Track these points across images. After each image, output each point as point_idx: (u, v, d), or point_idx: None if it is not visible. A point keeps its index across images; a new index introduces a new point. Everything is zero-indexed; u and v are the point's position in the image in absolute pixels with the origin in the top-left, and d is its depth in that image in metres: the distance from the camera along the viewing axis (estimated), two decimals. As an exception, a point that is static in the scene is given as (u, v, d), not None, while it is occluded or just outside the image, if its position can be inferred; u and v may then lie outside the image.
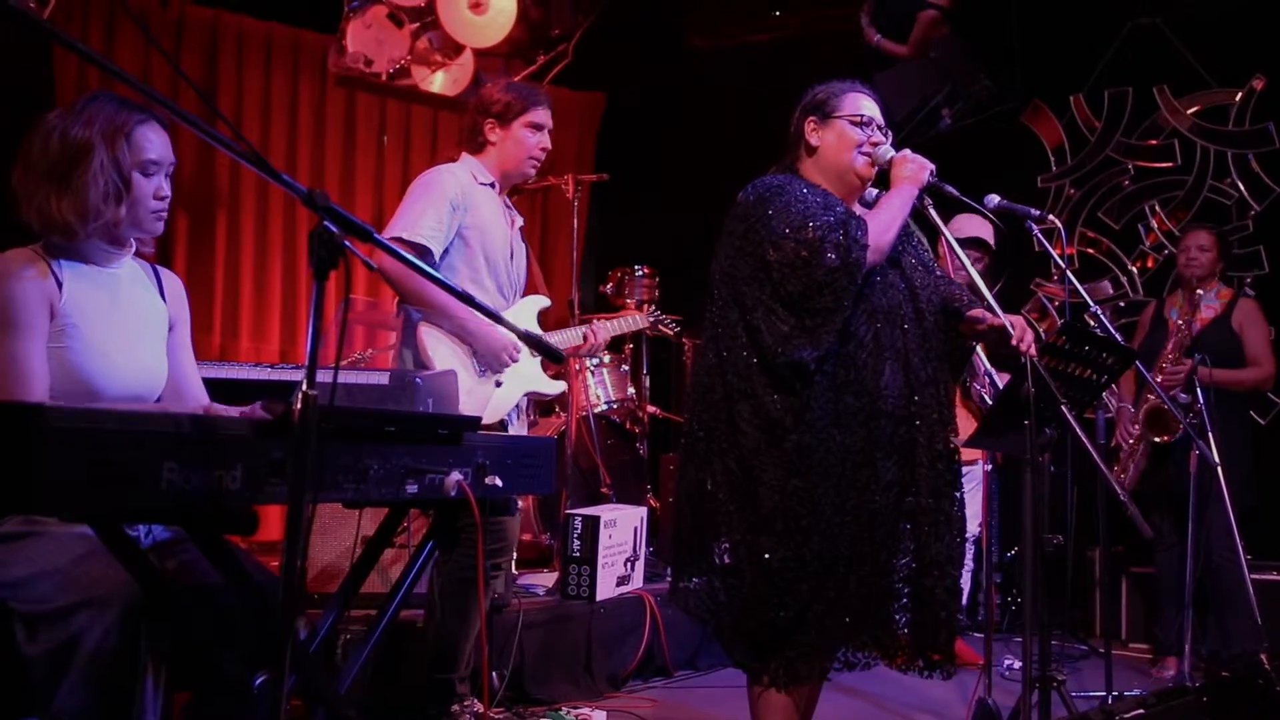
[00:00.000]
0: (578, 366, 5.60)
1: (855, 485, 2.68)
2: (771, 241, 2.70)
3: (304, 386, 1.65)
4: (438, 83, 6.59)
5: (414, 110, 7.10)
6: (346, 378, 2.90)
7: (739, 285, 2.76)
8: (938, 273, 3.01)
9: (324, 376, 1.67)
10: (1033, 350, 2.69)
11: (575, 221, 5.60)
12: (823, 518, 2.65)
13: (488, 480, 2.24)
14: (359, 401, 2.87)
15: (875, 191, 2.98)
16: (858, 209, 2.89)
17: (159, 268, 2.61)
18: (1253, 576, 4.55)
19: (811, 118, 2.93)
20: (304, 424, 1.64)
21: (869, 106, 2.93)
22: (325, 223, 1.69)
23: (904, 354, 2.77)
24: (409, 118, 7.13)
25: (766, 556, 2.65)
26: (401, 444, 2.06)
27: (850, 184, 2.90)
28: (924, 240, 3.10)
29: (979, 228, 5.16)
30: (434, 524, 2.48)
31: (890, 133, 2.97)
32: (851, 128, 2.89)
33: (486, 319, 2.36)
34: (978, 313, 2.90)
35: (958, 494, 2.82)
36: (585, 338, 3.92)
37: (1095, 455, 2.60)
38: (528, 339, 2.28)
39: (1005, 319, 2.75)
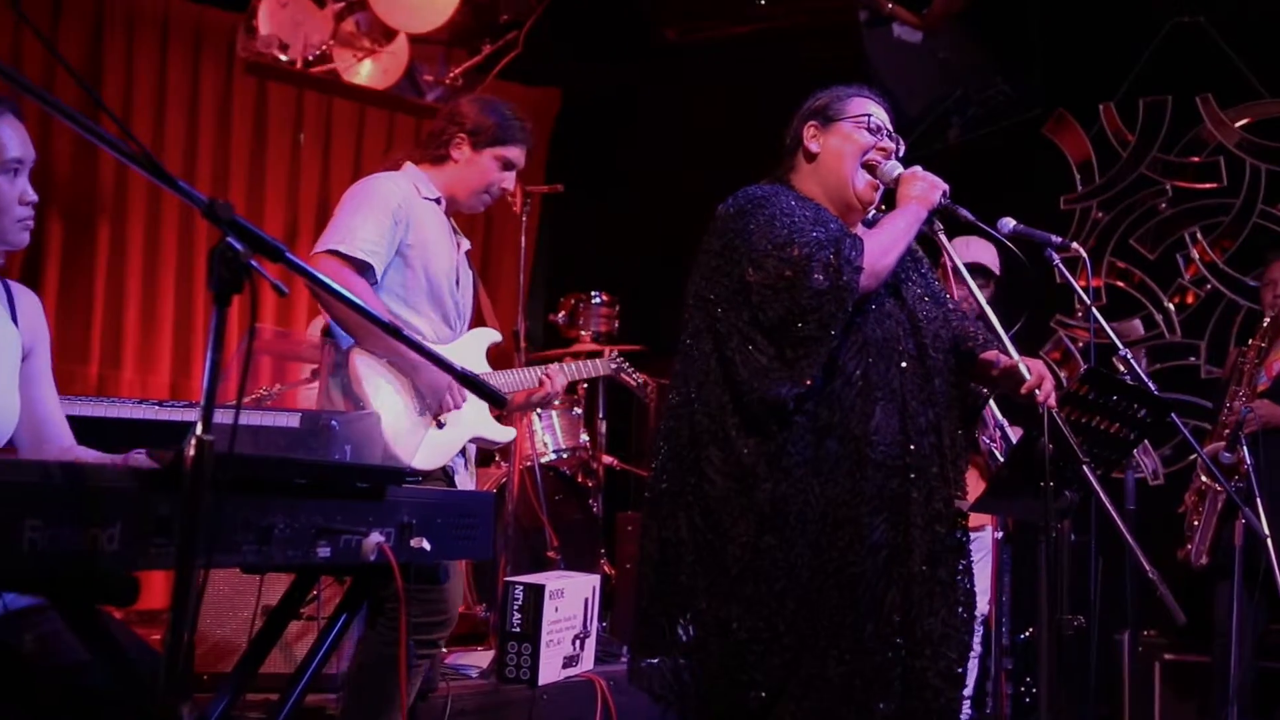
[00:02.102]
0: (523, 408, 5.59)
1: (837, 545, 2.69)
2: (752, 260, 2.73)
3: (198, 429, 1.64)
4: (364, 73, 6.58)
5: (336, 105, 7.12)
6: (250, 419, 2.90)
7: (714, 310, 2.78)
8: (950, 305, 3.03)
9: (223, 417, 1.67)
10: (1052, 400, 2.69)
11: (523, 239, 5.60)
12: (799, 581, 2.66)
13: (414, 542, 2.24)
14: (264, 447, 2.87)
15: (875, 213, 3.02)
16: (860, 230, 2.93)
17: (10, 283, 2.55)
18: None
19: (812, 122, 2.99)
20: (197, 474, 1.63)
21: (877, 111, 2.99)
22: (228, 239, 1.68)
23: (900, 395, 2.79)
24: (330, 113, 7.15)
25: (735, 626, 2.66)
26: (313, 498, 2.05)
27: (848, 201, 2.94)
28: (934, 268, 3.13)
29: (982, 252, 5.18)
30: (349, 593, 2.47)
31: (901, 142, 3.01)
32: (857, 130, 2.95)
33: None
34: (992, 354, 2.92)
35: (962, 563, 2.84)
36: (541, 382, 3.91)
37: (1121, 523, 2.62)
38: (464, 379, 2.28)
39: (1020, 362, 2.77)
